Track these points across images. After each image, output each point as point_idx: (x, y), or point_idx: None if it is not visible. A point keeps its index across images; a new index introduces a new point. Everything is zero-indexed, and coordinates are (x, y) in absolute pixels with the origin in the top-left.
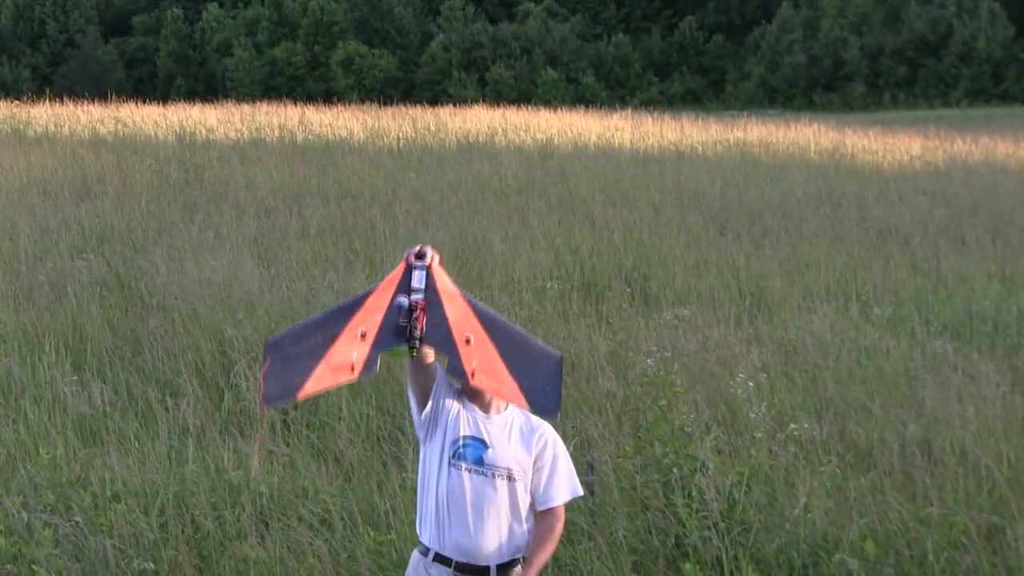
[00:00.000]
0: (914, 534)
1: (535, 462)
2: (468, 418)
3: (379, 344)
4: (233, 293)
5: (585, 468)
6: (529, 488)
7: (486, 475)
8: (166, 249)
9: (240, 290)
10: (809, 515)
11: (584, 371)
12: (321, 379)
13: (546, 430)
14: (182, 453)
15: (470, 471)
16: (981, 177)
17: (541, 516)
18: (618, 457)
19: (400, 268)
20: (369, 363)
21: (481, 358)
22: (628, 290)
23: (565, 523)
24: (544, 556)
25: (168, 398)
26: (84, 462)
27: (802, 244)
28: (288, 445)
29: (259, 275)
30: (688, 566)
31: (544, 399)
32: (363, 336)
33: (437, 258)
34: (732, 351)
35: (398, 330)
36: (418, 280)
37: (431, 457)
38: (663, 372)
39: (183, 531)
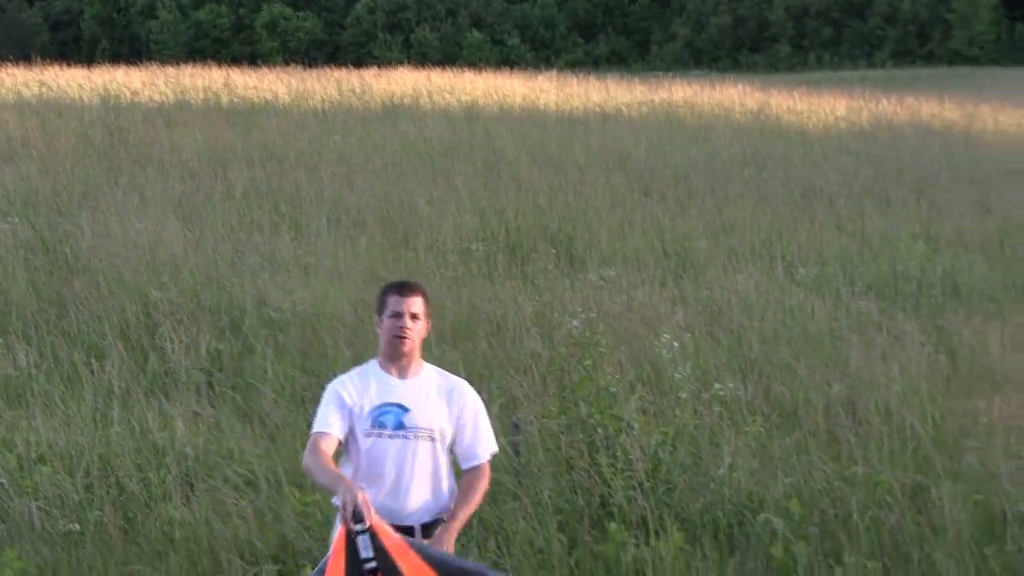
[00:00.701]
0: (839, 493)
1: (456, 420)
2: (384, 386)
3: None
4: (158, 256)
5: (510, 428)
6: (448, 447)
7: (408, 438)
8: (91, 212)
9: (165, 253)
10: (734, 475)
11: (509, 332)
12: None
13: (465, 387)
14: (107, 415)
15: (392, 436)
16: (906, 138)
17: (465, 473)
18: (543, 417)
19: (340, 536)
20: None
21: None
22: (553, 252)
23: (491, 482)
24: (468, 511)
25: (93, 360)
26: (9, 424)
27: (727, 205)
28: (213, 407)
29: (184, 238)
30: (613, 526)
31: None
32: None
33: (373, 511)
34: (657, 311)
35: None
36: (364, 548)
37: (356, 432)
38: (588, 333)
39: (108, 492)
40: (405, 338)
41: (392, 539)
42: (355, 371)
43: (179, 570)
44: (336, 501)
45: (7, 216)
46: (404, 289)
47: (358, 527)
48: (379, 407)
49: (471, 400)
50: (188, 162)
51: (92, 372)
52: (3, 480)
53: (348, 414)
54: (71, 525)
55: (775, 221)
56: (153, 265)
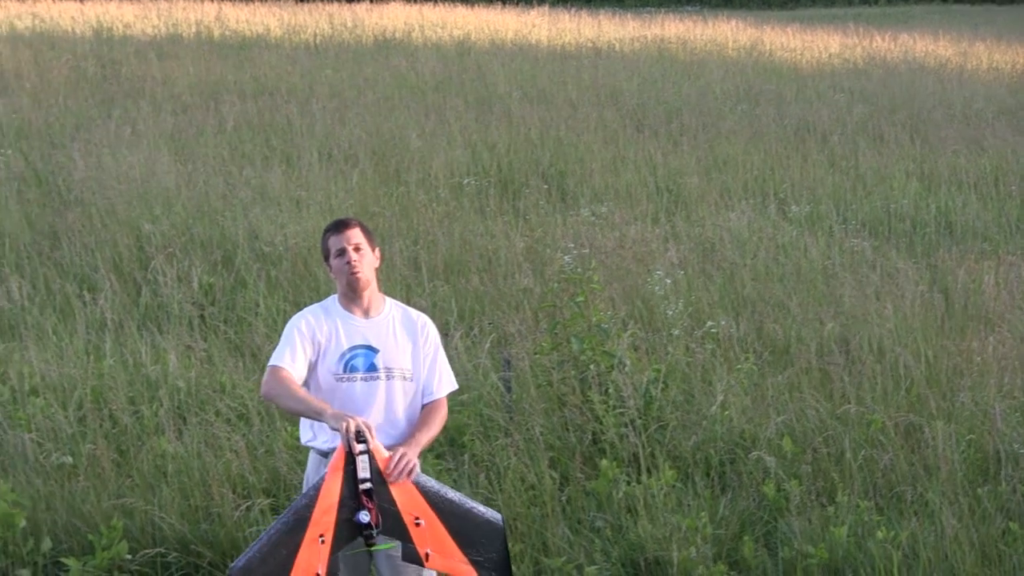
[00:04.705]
0: (831, 432)
1: (419, 356)
2: (350, 328)
3: (336, 546)
4: (150, 189)
5: (502, 364)
6: (419, 383)
7: (379, 379)
8: (84, 144)
9: (157, 186)
10: (726, 412)
11: (501, 267)
12: None
13: (427, 321)
14: (100, 348)
15: (364, 379)
16: (899, 75)
17: (425, 406)
18: (535, 354)
19: (339, 454)
20: (331, 570)
21: (433, 540)
22: (545, 187)
23: (483, 418)
24: (429, 436)
25: (86, 293)
26: (2, 357)
27: (719, 141)
28: (206, 340)
29: (176, 171)
30: (605, 463)
31: (493, 569)
32: (323, 541)
33: (373, 434)
34: (649, 248)
35: (352, 528)
36: (363, 469)
37: (320, 375)
38: (580, 269)
39: (101, 425)
40: (356, 271)
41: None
42: (316, 309)
43: (171, 503)
44: (308, 436)
45: (0, 148)
46: (340, 226)
47: (361, 447)
48: (349, 350)
49: (432, 336)
50: (180, 95)
51: (85, 305)
52: None
53: (316, 351)
54: (64, 458)
55: (768, 158)
56: (145, 198)
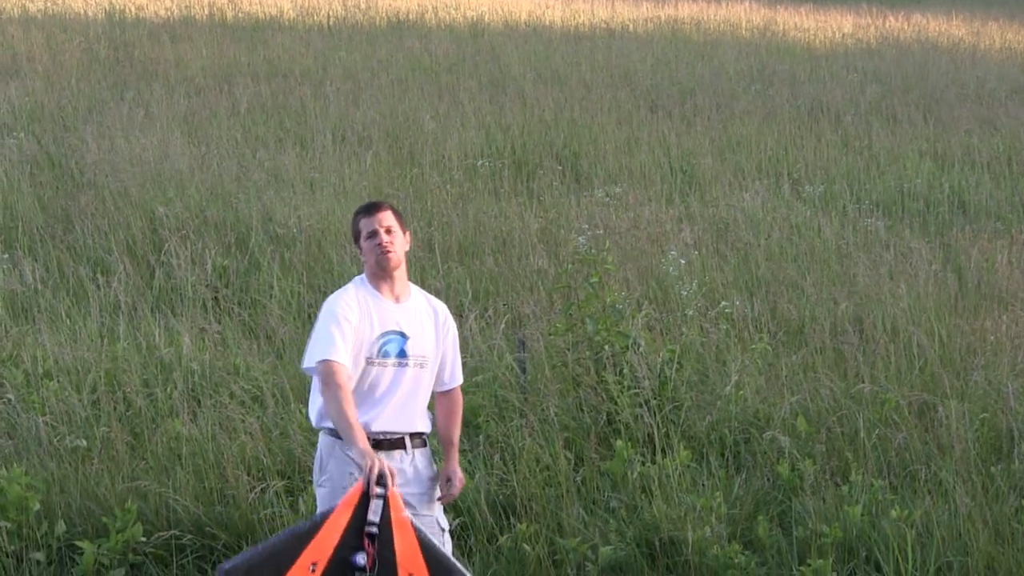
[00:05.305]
0: (845, 411)
1: (441, 345)
2: (383, 312)
3: None
4: (164, 171)
5: (517, 345)
6: (433, 372)
7: (409, 365)
8: (96, 127)
9: (171, 168)
10: (740, 392)
11: (516, 249)
12: None
13: (448, 313)
14: (113, 331)
15: (396, 365)
16: (913, 55)
17: (442, 396)
18: (550, 335)
19: (357, 489)
20: None
21: None
22: (559, 168)
23: (498, 399)
24: (458, 432)
25: (99, 276)
26: (16, 340)
27: (733, 122)
28: (219, 323)
29: (190, 153)
30: (619, 443)
31: None
32: (313, 569)
33: (395, 481)
34: (663, 228)
35: (346, 567)
36: (374, 513)
37: (352, 356)
38: (594, 249)
39: (115, 408)
40: (389, 252)
41: (399, 514)
42: (351, 291)
43: (186, 485)
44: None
45: (12, 131)
46: (371, 208)
47: (379, 490)
48: (382, 335)
49: (453, 329)
50: (193, 78)
51: (98, 288)
52: (10, 396)
53: (356, 338)
54: (78, 441)
55: (781, 138)
56: (159, 181)
